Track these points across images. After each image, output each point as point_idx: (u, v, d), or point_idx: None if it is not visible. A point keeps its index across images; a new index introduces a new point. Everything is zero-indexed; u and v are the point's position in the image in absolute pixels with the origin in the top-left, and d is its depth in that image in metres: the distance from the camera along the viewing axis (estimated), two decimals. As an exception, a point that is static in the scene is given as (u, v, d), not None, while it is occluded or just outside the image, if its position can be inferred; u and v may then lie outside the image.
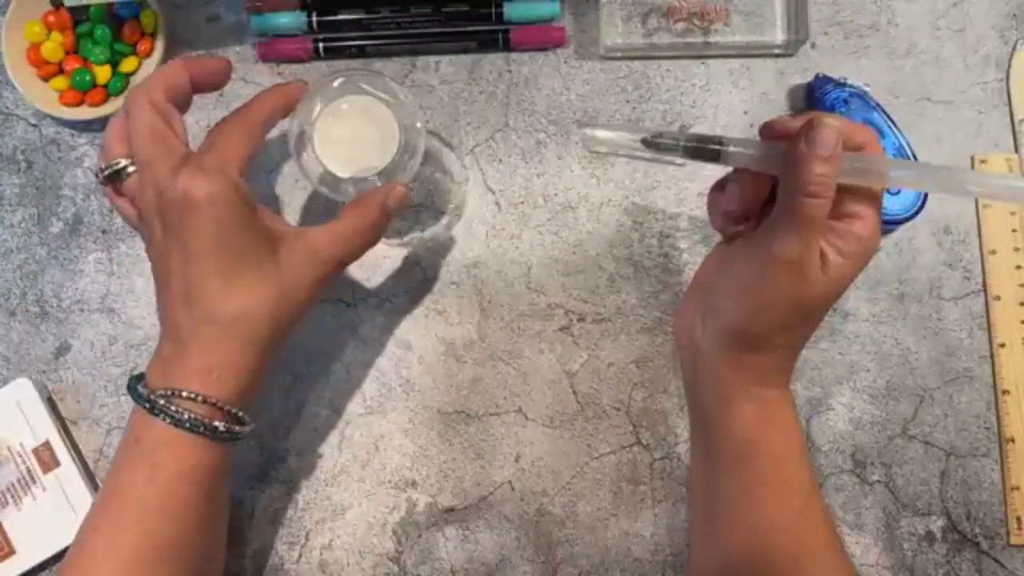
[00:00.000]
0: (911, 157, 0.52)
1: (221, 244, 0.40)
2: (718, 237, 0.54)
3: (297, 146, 0.45)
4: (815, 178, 0.37)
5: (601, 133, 0.42)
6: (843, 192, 0.38)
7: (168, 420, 0.40)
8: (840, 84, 0.53)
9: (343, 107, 0.45)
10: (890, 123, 0.52)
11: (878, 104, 0.53)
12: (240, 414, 0.42)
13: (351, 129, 0.45)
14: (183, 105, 0.43)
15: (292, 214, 0.55)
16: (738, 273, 0.41)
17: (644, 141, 0.42)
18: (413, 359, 0.54)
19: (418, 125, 0.46)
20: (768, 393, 0.42)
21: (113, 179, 0.42)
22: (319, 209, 0.55)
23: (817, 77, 0.54)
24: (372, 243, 0.45)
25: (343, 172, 0.45)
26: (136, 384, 0.42)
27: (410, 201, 0.47)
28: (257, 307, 0.41)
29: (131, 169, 0.42)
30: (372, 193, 0.44)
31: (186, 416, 0.40)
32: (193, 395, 0.40)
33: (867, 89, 0.53)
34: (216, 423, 0.41)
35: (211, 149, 0.41)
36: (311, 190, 0.55)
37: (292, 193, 0.55)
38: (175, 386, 0.41)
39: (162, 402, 0.40)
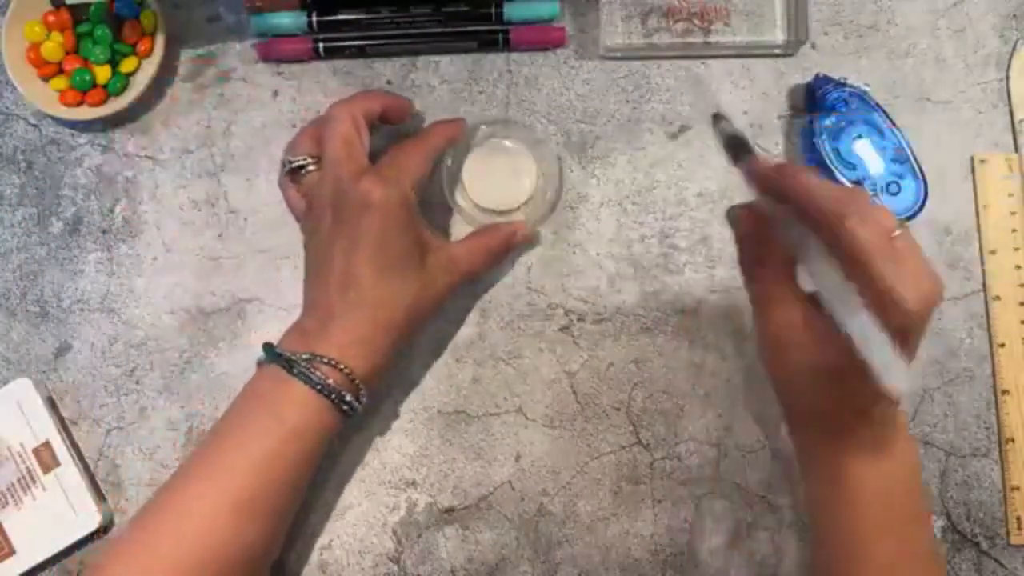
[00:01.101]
0: (911, 157, 0.52)
1: (383, 242, 0.46)
2: (718, 237, 0.54)
3: (449, 176, 0.53)
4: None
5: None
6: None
7: (304, 380, 0.45)
8: (840, 84, 0.53)
9: (491, 147, 0.53)
10: (890, 123, 0.52)
11: (878, 104, 0.53)
12: (363, 392, 0.46)
13: (496, 167, 0.53)
14: (371, 126, 0.50)
15: (287, 211, 0.55)
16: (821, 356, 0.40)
17: (714, 115, 0.46)
18: (413, 359, 0.54)
19: (555, 169, 0.53)
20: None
21: (294, 172, 0.49)
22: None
23: (817, 77, 0.54)
24: (491, 266, 0.52)
25: (484, 203, 0.52)
26: (271, 348, 0.47)
27: (535, 240, 0.54)
28: (400, 299, 0.47)
29: (311, 168, 0.49)
30: (503, 226, 0.52)
31: (321, 380, 0.45)
32: (333, 362, 0.45)
33: (867, 89, 0.54)
34: (344, 393, 0.45)
35: (392, 163, 0.48)
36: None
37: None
38: (317, 353, 0.45)
39: (303, 364, 0.45)
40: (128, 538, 0.45)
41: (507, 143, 0.53)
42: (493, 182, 0.52)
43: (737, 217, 0.44)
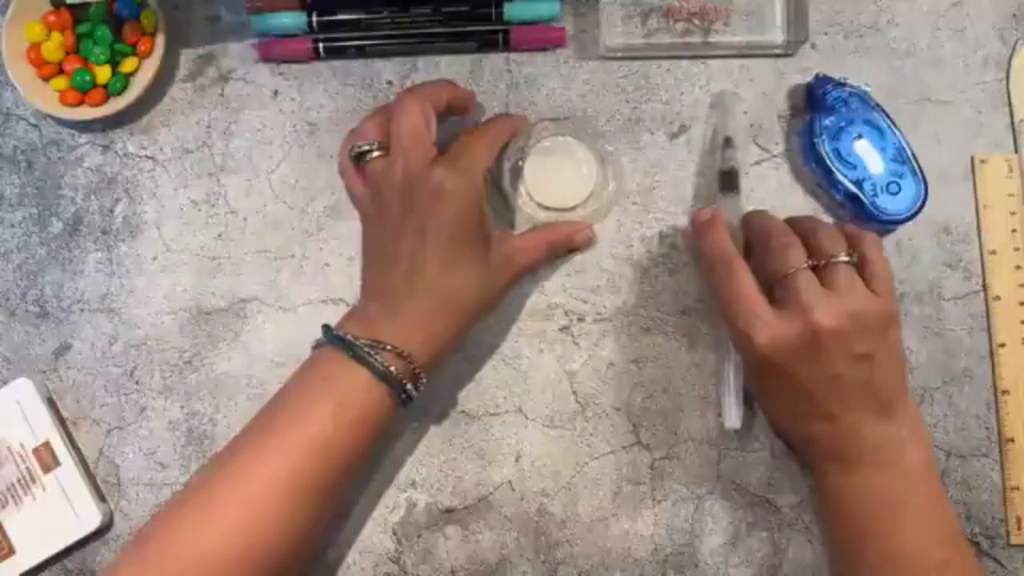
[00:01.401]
0: (911, 157, 0.52)
1: (455, 231, 0.46)
2: (718, 237, 0.54)
3: (510, 174, 0.53)
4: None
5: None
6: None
7: (367, 367, 0.45)
8: (840, 84, 0.53)
9: (551, 144, 0.53)
10: (890, 123, 0.52)
11: (878, 104, 0.53)
12: (422, 381, 0.47)
13: (557, 165, 0.53)
14: (437, 116, 0.50)
15: (287, 211, 0.55)
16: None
17: (726, 138, 0.52)
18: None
19: (615, 166, 0.53)
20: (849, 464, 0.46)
21: (359, 158, 0.49)
22: (315, 206, 0.55)
23: (817, 77, 0.54)
24: (544, 262, 0.53)
25: (545, 201, 0.53)
26: (333, 332, 0.46)
27: (594, 241, 0.54)
28: (466, 290, 0.47)
29: (376, 154, 0.48)
30: (564, 224, 0.52)
31: (384, 367, 0.45)
32: (399, 350, 0.45)
33: (867, 89, 0.54)
34: (405, 381, 0.45)
35: (463, 153, 0.48)
36: (305, 191, 0.55)
37: (293, 193, 0.55)
38: (380, 339, 0.45)
39: (368, 350, 0.45)
40: (176, 513, 0.44)
41: (567, 140, 0.53)
42: (554, 180, 0.53)
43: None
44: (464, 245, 0.47)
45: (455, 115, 0.52)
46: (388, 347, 0.45)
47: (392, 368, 0.45)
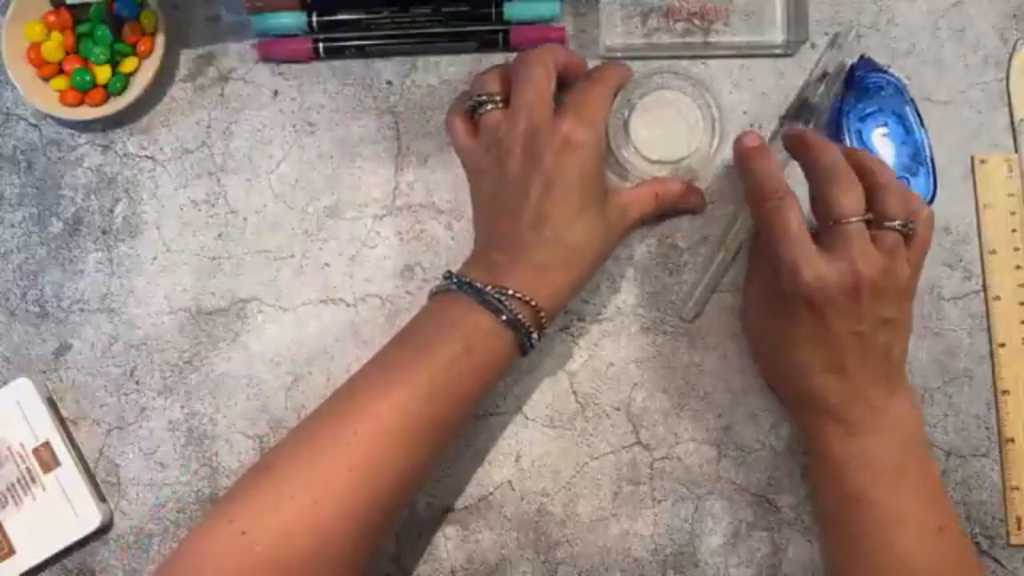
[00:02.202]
0: (928, 158, 0.52)
1: (580, 182, 0.47)
2: (718, 237, 0.54)
3: (614, 128, 0.52)
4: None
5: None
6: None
7: (495, 312, 0.45)
8: (882, 71, 0.53)
9: (655, 98, 0.52)
10: (919, 122, 0.52)
11: (912, 100, 0.53)
12: (545, 329, 0.47)
13: (662, 118, 0.52)
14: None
15: (287, 211, 0.55)
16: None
17: (823, 73, 0.53)
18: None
19: (717, 116, 0.52)
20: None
21: (474, 110, 0.50)
22: (315, 206, 0.55)
23: (862, 58, 0.53)
24: (653, 216, 0.53)
25: (652, 155, 0.52)
26: (460, 278, 0.47)
27: (702, 208, 0.54)
28: (591, 242, 0.48)
29: (490, 107, 0.49)
30: (675, 181, 0.52)
31: (512, 314, 0.45)
32: (527, 297, 0.45)
33: (907, 83, 0.53)
34: (532, 329, 0.46)
35: (586, 103, 0.48)
36: (305, 191, 0.55)
37: (293, 193, 0.55)
38: (507, 286, 0.45)
39: (496, 295, 0.45)
40: (296, 448, 0.44)
41: (672, 93, 0.52)
42: (660, 132, 0.52)
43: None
44: (588, 196, 0.47)
45: (568, 80, 0.51)
46: (517, 294, 0.45)
47: (519, 316, 0.45)
